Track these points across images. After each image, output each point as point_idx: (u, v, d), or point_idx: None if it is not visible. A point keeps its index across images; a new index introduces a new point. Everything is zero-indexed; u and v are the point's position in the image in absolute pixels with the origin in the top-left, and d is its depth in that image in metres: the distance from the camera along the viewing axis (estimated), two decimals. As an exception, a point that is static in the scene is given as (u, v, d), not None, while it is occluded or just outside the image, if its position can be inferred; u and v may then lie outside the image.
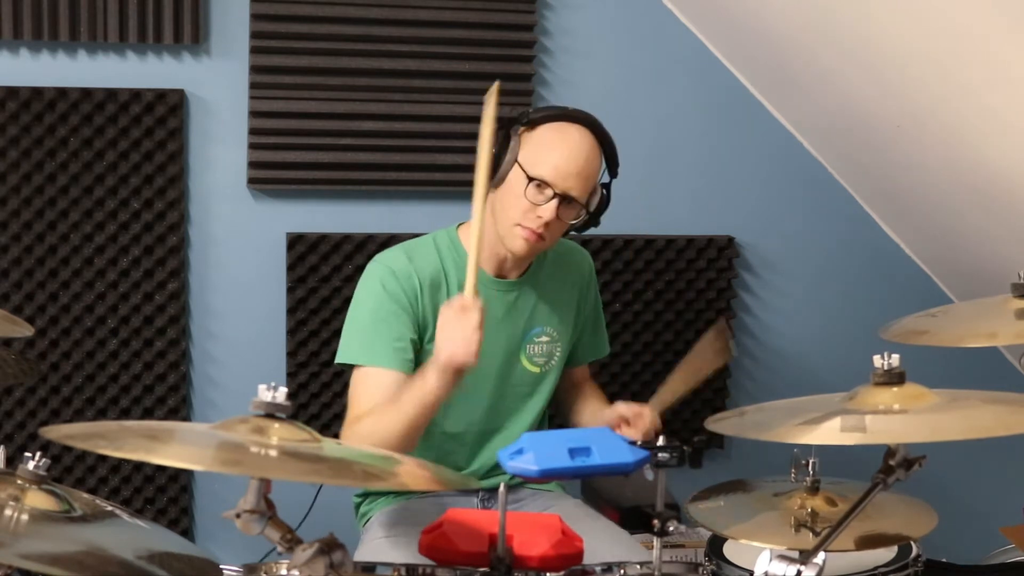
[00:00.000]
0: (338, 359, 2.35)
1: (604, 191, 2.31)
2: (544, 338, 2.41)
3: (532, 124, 2.26)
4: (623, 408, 2.30)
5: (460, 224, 2.40)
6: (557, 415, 2.60)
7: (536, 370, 2.41)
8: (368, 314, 2.31)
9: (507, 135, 2.26)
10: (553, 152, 2.23)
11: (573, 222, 2.28)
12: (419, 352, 2.32)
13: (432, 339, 2.30)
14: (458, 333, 2.08)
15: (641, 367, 3.12)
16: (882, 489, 1.67)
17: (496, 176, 2.25)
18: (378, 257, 2.37)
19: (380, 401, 2.24)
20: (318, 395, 2.95)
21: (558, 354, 2.43)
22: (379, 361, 2.28)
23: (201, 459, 1.44)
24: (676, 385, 2.35)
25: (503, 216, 2.26)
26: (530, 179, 2.21)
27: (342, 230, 2.91)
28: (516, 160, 2.24)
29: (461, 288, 2.32)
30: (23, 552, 1.35)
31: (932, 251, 3.22)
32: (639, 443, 1.78)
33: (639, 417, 2.26)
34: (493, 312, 2.36)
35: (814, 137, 3.16)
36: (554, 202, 2.22)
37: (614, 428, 2.26)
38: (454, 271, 2.34)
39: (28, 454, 1.47)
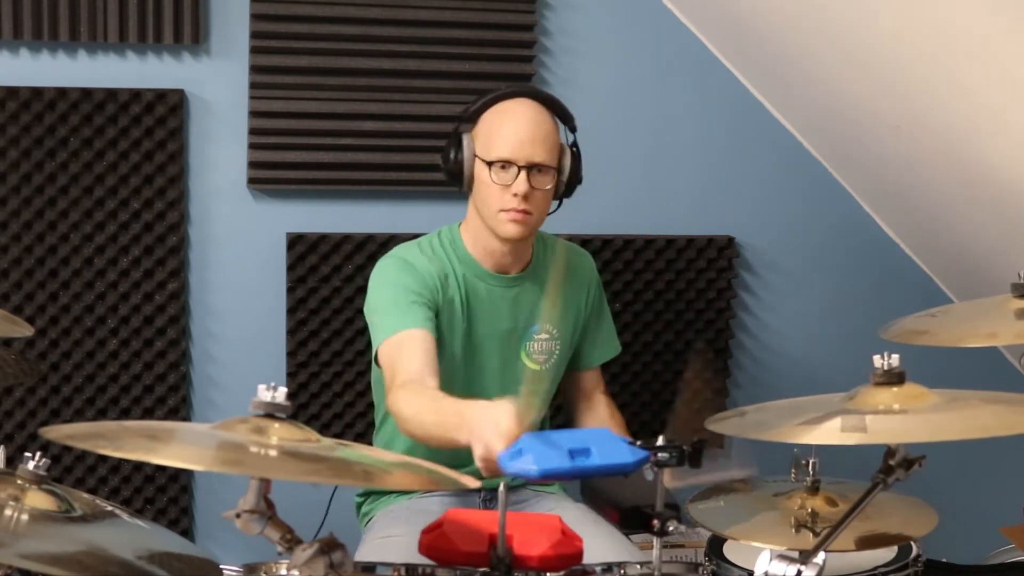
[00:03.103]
0: (375, 346, 2.29)
1: (573, 149, 2.34)
2: (543, 335, 2.42)
3: (473, 117, 2.31)
4: None
5: (461, 222, 2.42)
6: (566, 420, 2.60)
7: (536, 367, 2.42)
8: (388, 292, 2.31)
9: (458, 138, 2.30)
10: (501, 131, 2.26)
11: (550, 187, 2.29)
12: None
13: (445, 332, 2.31)
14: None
15: (641, 367, 3.12)
16: (882, 489, 1.67)
17: (464, 180, 2.30)
18: (391, 252, 2.40)
19: (424, 360, 2.19)
20: (318, 395, 2.95)
21: (557, 352, 2.44)
22: (407, 325, 2.24)
23: (201, 459, 1.43)
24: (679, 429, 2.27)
25: (485, 209, 2.29)
26: (491, 164, 2.24)
27: (342, 230, 2.91)
28: (475, 156, 2.28)
29: (464, 281, 2.34)
30: (23, 552, 1.35)
31: (932, 251, 3.22)
32: (639, 443, 1.78)
33: None
34: (493, 306, 2.37)
35: (814, 137, 3.16)
36: (522, 175, 2.24)
37: None
38: (457, 264, 2.36)
39: (28, 454, 1.47)
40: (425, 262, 2.33)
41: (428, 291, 2.30)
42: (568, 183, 2.33)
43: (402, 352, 2.22)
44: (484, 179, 2.27)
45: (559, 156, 2.30)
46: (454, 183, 2.34)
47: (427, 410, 2.14)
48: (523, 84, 2.34)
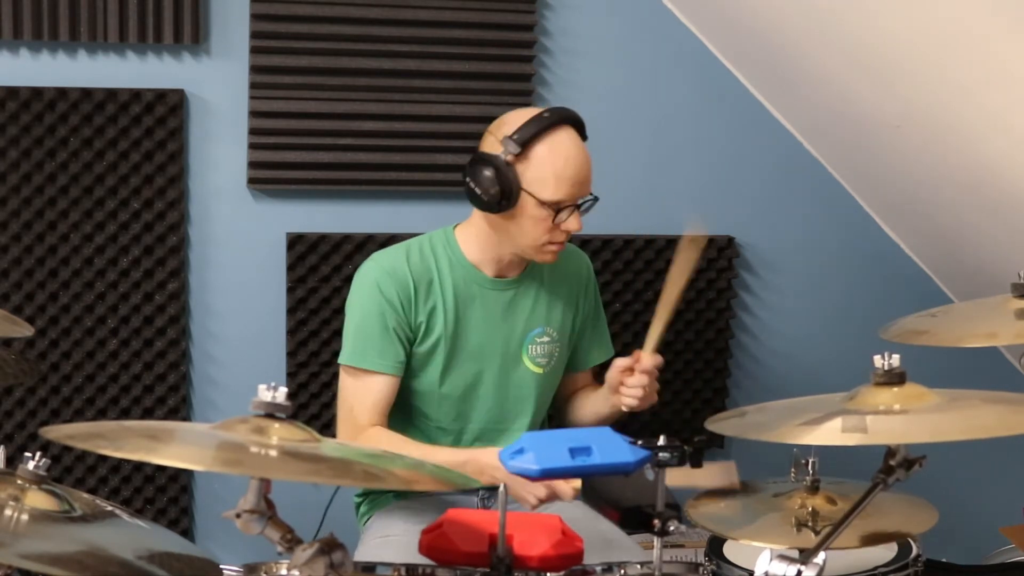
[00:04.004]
0: (341, 359, 2.38)
1: None
2: (545, 338, 2.42)
3: (523, 148, 2.22)
4: (619, 361, 2.32)
5: (457, 224, 2.41)
6: (558, 420, 2.60)
7: (539, 371, 2.42)
8: (362, 316, 2.34)
9: (499, 166, 2.22)
10: (558, 170, 2.23)
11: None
12: (410, 355, 2.33)
13: (424, 339, 2.31)
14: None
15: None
16: (882, 489, 1.67)
17: (505, 208, 2.23)
18: (374, 256, 2.38)
19: (374, 405, 2.32)
20: (318, 395, 2.95)
21: (557, 354, 2.44)
22: (371, 365, 2.32)
23: (201, 459, 1.44)
24: (661, 314, 2.34)
25: (525, 239, 2.28)
26: (544, 203, 2.23)
27: (342, 230, 2.91)
28: (523, 189, 2.23)
29: (454, 287, 2.34)
30: (23, 552, 1.35)
31: (932, 251, 3.22)
32: (640, 443, 1.78)
33: (638, 362, 2.30)
34: (493, 311, 2.37)
35: (814, 137, 3.16)
36: (576, 213, 2.26)
37: (616, 385, 2.31)
38: (448, 270, 2.36)
39: (28, 454, 1.47)
40: (406, 270, 2.32)
41: (403, 307, 2.31)
42: None
43: (364, 394, 2.33)
44: (534, 215, 2.23)
45: None
46: (487, 209, 2.26)
47: (412, 451, 2.20)
48: (562, 109, 2.29)
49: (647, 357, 2.30)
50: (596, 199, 2.31)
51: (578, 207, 2.26)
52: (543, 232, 2.25)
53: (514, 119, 2.26)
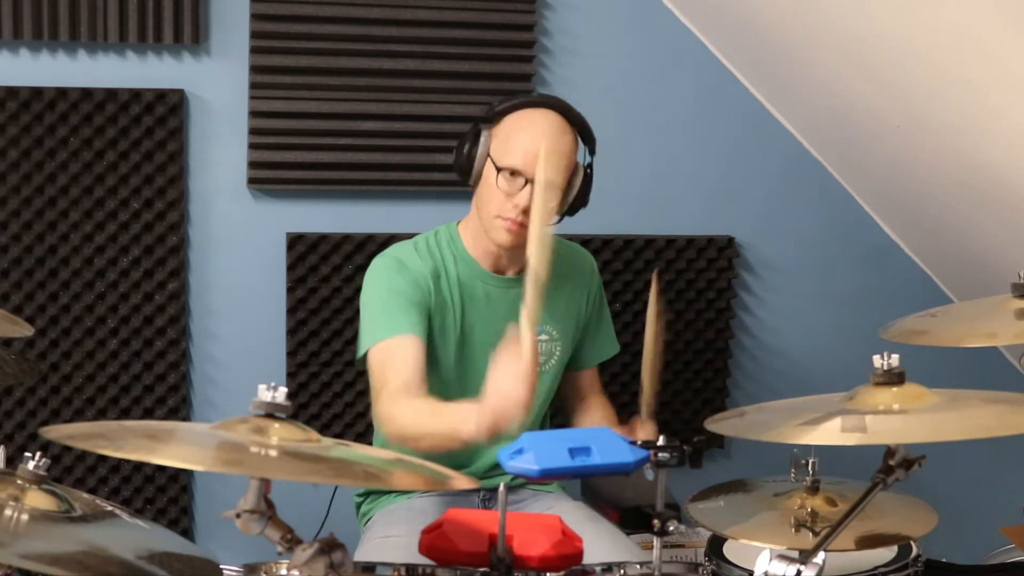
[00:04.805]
0: (360, 352, 2.31)
1: (587, 170, 2.32)
2: (543, 337, 2.41)
3: (498, 117, 2.28)
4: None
5: (459, 221, 2.41)
6: (563, 421, 2.60)
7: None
8: (381, 295, 2.30)
9: (476, 132, 2.28)
10: (520, 139, 2.23)
11: (552, 205, 2.24)
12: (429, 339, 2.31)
13: (437, 335, 2.31)
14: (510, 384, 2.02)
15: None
16: (882, 489, 1.67)
17: (472, 175, 2.29)
18: (385, 252, 2.39)
19: (412, 369, 2.20)
20: (318, 395, 2.95)
21: (558, 354, 2.43)
22: (399, 330, 2.25)
23: (201, 459, 1.44)
24: (648, 383, 2.30)
25: (483, 210, 2.28)
26: (500, 169, 2.23)
27: (342, 230, 2.91)
28: (488, 155, 2.26)
29: (459, 282, 2.33)
30: (23, 552, 1.35)
31: (932, 251, 3.22)
32: (639, 443, 1.78)
33: (634, 433, 2.23)
34: (491, 308, 2.36)
35: (814, 137, 3.16)
36: (528, 188, 2.22)
37: None
38: (452, 264, 2.36)
39: (28, 454, 1.47)
40: (418, 261, 2.33)
41: (420, 292, 2.30)
42: (572, 203, 2.32)
43: (393, 359, 2.23)
44: (490, 181, 2.25)
45: (571, 175, 2.28)
46: (462, 176, 2.32)
47: (426, 412, 2.16)
48: (554, 96, 2.31)
49: (644, 430, 2.24)
50: (562, 191, 2.27)
51: (531, 184, 2.20)
52: (497, 202, 2.24)
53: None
